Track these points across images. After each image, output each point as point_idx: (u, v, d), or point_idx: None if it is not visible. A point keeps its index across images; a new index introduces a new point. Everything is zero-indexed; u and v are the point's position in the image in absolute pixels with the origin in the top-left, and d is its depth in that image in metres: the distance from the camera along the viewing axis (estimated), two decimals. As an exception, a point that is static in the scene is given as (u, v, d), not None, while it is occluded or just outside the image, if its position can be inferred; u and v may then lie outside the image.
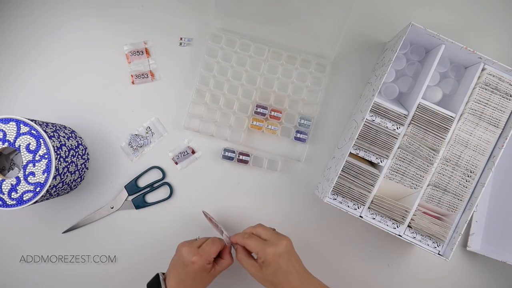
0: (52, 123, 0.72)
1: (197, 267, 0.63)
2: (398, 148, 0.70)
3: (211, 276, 0.66)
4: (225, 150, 0.77)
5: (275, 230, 0.68)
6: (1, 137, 0.64)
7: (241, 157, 0.78)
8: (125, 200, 0.79)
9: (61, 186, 0.70)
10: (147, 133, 0.80)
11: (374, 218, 0.70)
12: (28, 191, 0.64)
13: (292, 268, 0.61)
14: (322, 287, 0.63)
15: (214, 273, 0.66)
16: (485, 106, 0.69)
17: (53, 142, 0.66)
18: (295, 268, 0.62)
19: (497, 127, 0.69)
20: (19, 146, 0.64)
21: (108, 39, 0.80)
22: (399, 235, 0.69)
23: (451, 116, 0.69)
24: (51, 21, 0.80)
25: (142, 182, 0.80)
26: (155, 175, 0.80)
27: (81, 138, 0.79)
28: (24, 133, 0.64)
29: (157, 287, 0.63)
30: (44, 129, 0.66)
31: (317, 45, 0.78)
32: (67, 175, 0.70)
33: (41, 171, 0.64)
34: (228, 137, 0.79)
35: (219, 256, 0.68)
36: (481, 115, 0.69)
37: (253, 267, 0.62)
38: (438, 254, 0.69)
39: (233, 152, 0.77)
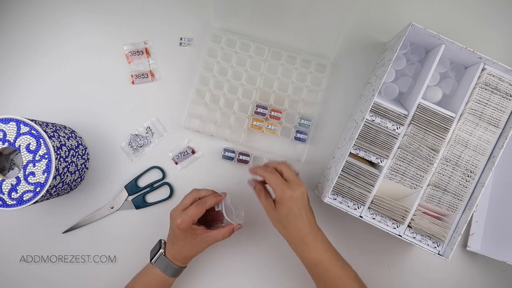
0: (52, 123, 0.72)
1: (182, 229, 0.65)
2: (398, 148, 0.70)
3: (203, 241, 0.67)
4: (225, 150, 0.77)
5: (298, 175, 0.68)
6: (1, 137, 0.64)
7: (241, 157, 0.78)
8: (125, 200, 0.79)
9: (61, 186, 0.70)
10: (147, 133, 0.80)
11: (374, 218, 0.70)
12: (28, 191, 0.64)
13: (304, 215, 0.64)
14: (327, 244, 0.65)
15: (207, 239, 0.67)
16: (485, 106, 0.69)
17: (53, 142, 0.66)
18: (307, 216, 0.64)
19: (497, 127, 0.69)
20: (19, 146, 0.64)
21: (108, 39, 0.80)
22: (399, 235, 0.69)
23: (451, 116, 0.69)
24: (50, 20, 0.80)
25: (142, 182, 0.80)
26: (155, 175, 0.80)
27: (81, 138, 0.79)
28: (24, 133, 0.64)
29: (157, 249, 0.70)
30: (44, 129, 0.66)
31: (317, 45, 0.78)
32: (67, 175, 0.70)
33: (41, 171, 0.64)
34: (228, 137, 0.79)
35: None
36: (481, 115, 0.69)
37: (269, 205, 0.65)
38: (438, 254, 0.69)
39: (233, 152, 0.77)
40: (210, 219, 0.72)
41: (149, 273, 0.69)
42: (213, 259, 0.79)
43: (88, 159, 0.79)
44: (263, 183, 0.68)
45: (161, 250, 0.69)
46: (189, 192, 0.70)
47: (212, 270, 0.79)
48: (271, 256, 0.79)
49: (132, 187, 0.79)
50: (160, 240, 0.72)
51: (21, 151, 0.64)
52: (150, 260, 0.69)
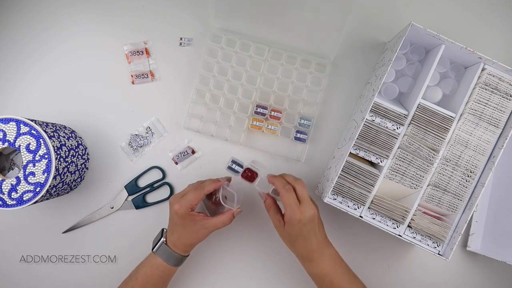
0: (52, 123, 0.72)
1: (180, 214, 0.65)
2: (398, 148, 0.70)
3: (204, 227, 0.67)
4: (234, 162, 0.71)
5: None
6: (1, 137, 0.64)
7: (247, 172, 0.71)
8: (125, 200, 0.79)
9: (61, 186, 0.70)
10: (147, 133, 0.80)
11: (374, 218, 0.70)
12: (28, 191, 0.64)
13: (313, 236, 0.64)
14: (334, 259, 0.65)
15: (207, 225, 0.67)
16: (485, 106, 0.69)
17: (53, 142, 0.66)
18: (315, 236, 0.64)
19: (497, 127, 0.69)
20: (19, 146, 0.64)
21: (108, 39, 0.80)
22: (399, 235, 0.69)
23: (451, 116, 0.69)
24: (50, 20, 0.80)
25: (142, 182, 0.80)
26: (155, 175, 0.80)
27: (81, 138, 0.79)
28: (24, 133, 0.64)
29: (158, 239, 0.69)
30: (44, 129, 0.66)
31: (317, 45, 0.78)
32: (67, 175, 0.70)
33: (41, 171, 0.64)
34: (228, 137, 0.79)
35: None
36: (481, 115, 0.69)
37: (278, 222, 0.65)
38: (438, 254, 0.69)
39: (241, 166, 0.71)
40: (211, 206, 0.71)
41: (151, 262, 0.68)
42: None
43: (88, 159, 0.79)
44: (273, 197, 0.68)
45: (162, 239, 0.68)
46: (193, 183, 0.70)
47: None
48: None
49: (132, 187, 0.79)
50: (163, 229, 0.71)
51: (21, 151, 0.64)
52: (152, 249, 0.69)
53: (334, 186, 0.69)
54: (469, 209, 0.70)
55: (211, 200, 0.71)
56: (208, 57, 0.78)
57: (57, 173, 0.66)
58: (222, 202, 0.68)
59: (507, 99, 0.69)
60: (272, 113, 0.78)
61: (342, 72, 0.81)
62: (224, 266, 0.80)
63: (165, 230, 0.71)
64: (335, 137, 0.80)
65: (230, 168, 0.72)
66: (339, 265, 0.65)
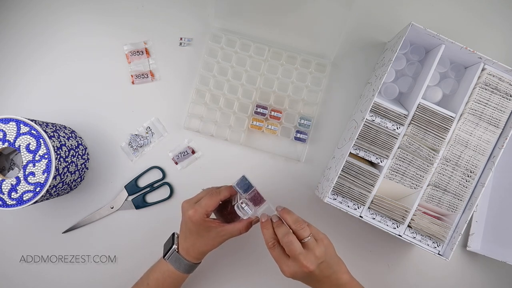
0: (52, 123, 0.72)
1: (195, 221, 0.62)
2: (398, 148, 0.70)
3: (218, 235, 0.64)
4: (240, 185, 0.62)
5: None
6: (1, 137, 0.64)
7: (243, 206, 0.62)
8: (125, 200, 0.79)
9: (61, 186, 0.70)
10: (147, 133, 0.80)
11: (374, 218, 0.70)
12: (28, 191, 0.64)
13: (313, 283, 0.60)
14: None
15: (222, 233, 0.64)
16: (485, 106, 0.69)
17: (53, 142, 0.66)
18: (317, 282, 0.60)
19: (497, 127, 0.69)
20: (19, 146, 0.64)
21: (108, 39, 0.80)
22: (399, 235, 0.69)
23: (451, 116, 0.69)
24: (50, 20, 0.80)
25: (142, 182, 0.80)
26: (155, 175, 0.80)
27: (81, 138, 0.79)
28: (24, 133, 0.64)
29: (170, 245, 0.67)
30: (44, 129, 0.66)
31: (317, 45, 0.78)
32: (67, 175, 0.70)
33: (41, 171, 0.64)
34: (228, 137, 0.79)
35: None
36: (481, 115, 0.69)
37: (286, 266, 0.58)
38: (438, 254, 0.69)
39: (249, 188, 0.62)
40: (226, 213, 0.69)
41: (163, 269, 0.67)
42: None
43: (88, 159, 0.79)
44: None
45: (174, 246, 0.66)
46: (207, 188, 0.67)
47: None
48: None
49: (132, 187, 0.79)
50: (173, 234, 0.69)
51: (21, 151, 0.64)
52: (164, 256, 0.67)
53: (334, 186, 0.69)
54: (469, 209, 0.70)
55: (227, 208, 0.68)
56: (208, 57, 0.78)
57: (57, 173, 0.66)
58: (242, 208, 0.65)
59: (507, 99, 0.69)
60: (272, 113, 0.78)
61: (342, 72, 0.81)
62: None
63: (176, 235, 0.68)
64: (335, 137, 0.80)
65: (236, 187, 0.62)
66: None
